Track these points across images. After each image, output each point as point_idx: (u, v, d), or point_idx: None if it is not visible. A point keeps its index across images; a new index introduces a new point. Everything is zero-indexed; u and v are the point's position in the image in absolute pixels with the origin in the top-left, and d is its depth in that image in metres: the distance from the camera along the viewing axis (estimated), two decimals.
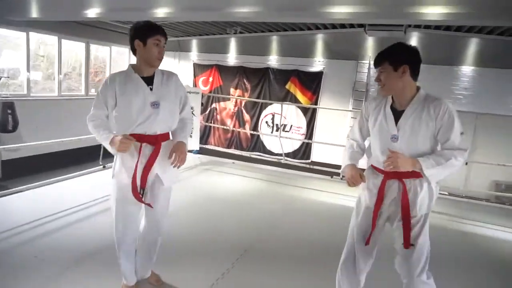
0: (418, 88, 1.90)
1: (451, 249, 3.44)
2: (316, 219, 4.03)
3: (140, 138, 2.09)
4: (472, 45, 8.01)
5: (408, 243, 1.88)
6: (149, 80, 2.13)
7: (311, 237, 3.50)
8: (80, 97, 8.89)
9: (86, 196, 4.01)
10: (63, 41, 8.43)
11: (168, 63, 10.87)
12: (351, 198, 4.80)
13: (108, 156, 5.50)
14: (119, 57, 10.31)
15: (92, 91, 9.55)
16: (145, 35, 2.05)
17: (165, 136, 2.20)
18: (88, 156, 6.44)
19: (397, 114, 1.90)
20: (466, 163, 8.44)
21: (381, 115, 1.93)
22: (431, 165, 1.77)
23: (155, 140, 2.13)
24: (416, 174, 1.83)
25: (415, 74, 1.85)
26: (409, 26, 7.59)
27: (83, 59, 9.09)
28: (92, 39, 9.14)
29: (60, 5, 5.29)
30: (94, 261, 2.74)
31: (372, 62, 8.76)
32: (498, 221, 4.36)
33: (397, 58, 1.83)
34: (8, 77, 7.22)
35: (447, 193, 7.09)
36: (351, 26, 8.11)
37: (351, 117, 9.07)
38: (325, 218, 4.06)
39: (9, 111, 6.72)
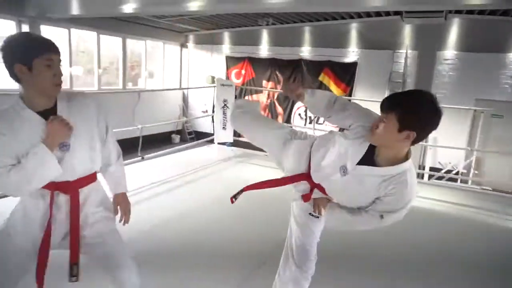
0: (407, 156, 1.51)
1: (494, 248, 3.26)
2: None
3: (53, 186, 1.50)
4: None
5: None
6: (49, 115, 1.45)
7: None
8: (118, 91, 9.24)
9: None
10: (102, 36, 8.76)
11: (202, 56, 11.02)
12: None
13: (147, 148, 5.63)
14: (153, 50, 10.57)
15: (129, 85, 9.92)
16: (29, 55, 1.38)
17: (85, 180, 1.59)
18: (124, 149, 6.65)
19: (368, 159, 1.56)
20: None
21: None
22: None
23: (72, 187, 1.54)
24: None
25: (419, 140, 1.45)
26: (450, 12, 7.20)
27: (120, 54, 9.42)
28: (128, 34, 9.43)
29: (99, 2, 5.49)
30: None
31: (410, 51, 8.47)
32: None
33: (409, 120, 1.40)
34: None
35: (490, 189, 6.74)
36: (387, 14, 7.83)
37: None
38: None
39: None
